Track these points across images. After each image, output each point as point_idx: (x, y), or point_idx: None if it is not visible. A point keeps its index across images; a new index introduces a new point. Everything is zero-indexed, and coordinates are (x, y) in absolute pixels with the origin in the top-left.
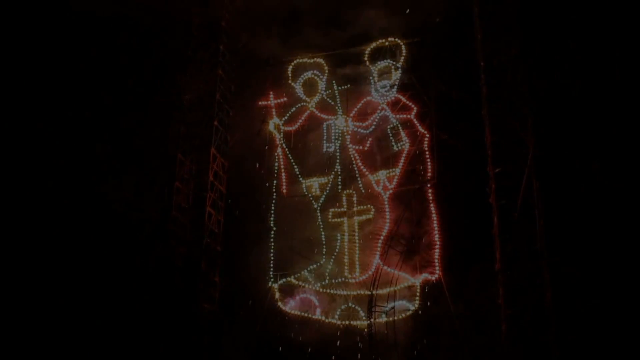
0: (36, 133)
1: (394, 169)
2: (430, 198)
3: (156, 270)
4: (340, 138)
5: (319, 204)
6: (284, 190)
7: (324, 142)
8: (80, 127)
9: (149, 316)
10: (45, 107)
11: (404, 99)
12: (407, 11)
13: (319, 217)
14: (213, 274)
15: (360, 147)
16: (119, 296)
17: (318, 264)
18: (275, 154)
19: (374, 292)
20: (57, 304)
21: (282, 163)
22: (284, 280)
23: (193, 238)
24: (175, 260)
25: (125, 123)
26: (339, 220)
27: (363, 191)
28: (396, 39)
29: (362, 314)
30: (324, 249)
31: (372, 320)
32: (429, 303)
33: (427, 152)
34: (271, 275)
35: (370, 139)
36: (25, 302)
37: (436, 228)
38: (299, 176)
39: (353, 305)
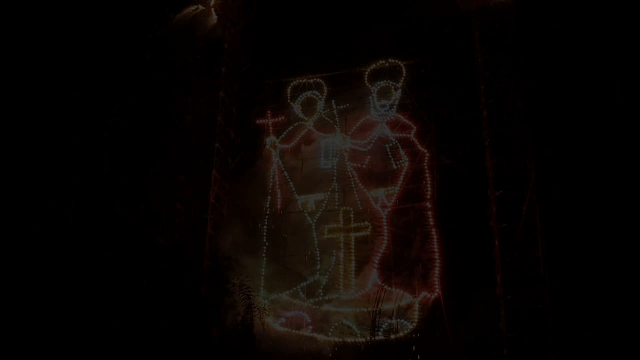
0: (46, 153)
1: (392, 187)
2: (430, 216)
3: (158, 293)
4: (337, 155)
5: (314, 220)
6: (279, 207)
7: (322, 159)
8: (82, 149)
9: (152, 340)
10: (52, 127)
11: (403, 119)
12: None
13: (314, 233)
14: (216, 296)
15: (359, 165)
16: (122, 321)
17: (312, 280)
18: (271, 170)
19: (375, 309)
20: (62, 325)
21: (277, 180)
22: (276, 296)
23: (194, 260)
24: (176, 284)
25: (127, 144)
26: (334, 236)
27: (360, 208)
28: (396, 60)
29: (356, 331)
30: (319, 265)
31: (373, 338)
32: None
33: (426, 171)
34: (262, 293)
35: (368, 157)
36: (32, 319)
37: (436, 246)
38: (295, 193)
39: (347, 323)
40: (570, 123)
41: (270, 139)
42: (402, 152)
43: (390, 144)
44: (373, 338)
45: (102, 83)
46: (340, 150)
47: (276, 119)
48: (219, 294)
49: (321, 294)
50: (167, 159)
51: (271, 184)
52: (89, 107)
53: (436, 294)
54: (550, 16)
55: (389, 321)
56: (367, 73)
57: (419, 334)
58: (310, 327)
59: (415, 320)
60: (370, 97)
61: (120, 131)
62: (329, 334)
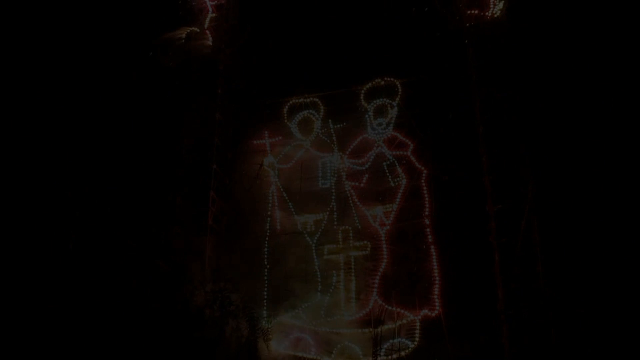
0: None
1: (390, 205)
2: (429, 233)
3: (162, 317)
4: (335, 175)
5: (314, 240)
6: (278, 227)
7: (320, 178)
8: (81, 172)
9: None
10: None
11: (400, 136)
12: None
13: (314, 253)
14: (219, 319)
15: (356, 183)
16: (126, 345)
17: (313, 302)
18: (270, 191)
19: (377, 329)
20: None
21: (276, 200)
22: (278, 318)
23: (196, 284)
24: (176, 306)
25: (125, 167)
26: (334, 256)
27: (359, 227)
28: (392, 78)
29: (358, 352)
30: (319, 286)
31: (376, 359)
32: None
33: (424, 188)
34: (264, 315)
35: (366, 175)
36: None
37: (435, 263)
38: (294, 213)
39: (350, 344)
40: (567, 136)
41: (268, 160)
42: (399, 169)
43: (388, 162)
44: (376, 359)
45: (101, 105)
46: (338, 170)
47: (273, 139)
48: (223, 317)
49: (323, 315)
50: (164, 181)
51: (270, 204)
52: (84, 130)
53: (437, 312)
54: (543, 30)
55: (391, 341)
56: (363, 92)
57: (420, 353)
58: (314, 349)
59: (417, 338)
60: (367, 116)
61: (118, 154)
62: (332, 356)
